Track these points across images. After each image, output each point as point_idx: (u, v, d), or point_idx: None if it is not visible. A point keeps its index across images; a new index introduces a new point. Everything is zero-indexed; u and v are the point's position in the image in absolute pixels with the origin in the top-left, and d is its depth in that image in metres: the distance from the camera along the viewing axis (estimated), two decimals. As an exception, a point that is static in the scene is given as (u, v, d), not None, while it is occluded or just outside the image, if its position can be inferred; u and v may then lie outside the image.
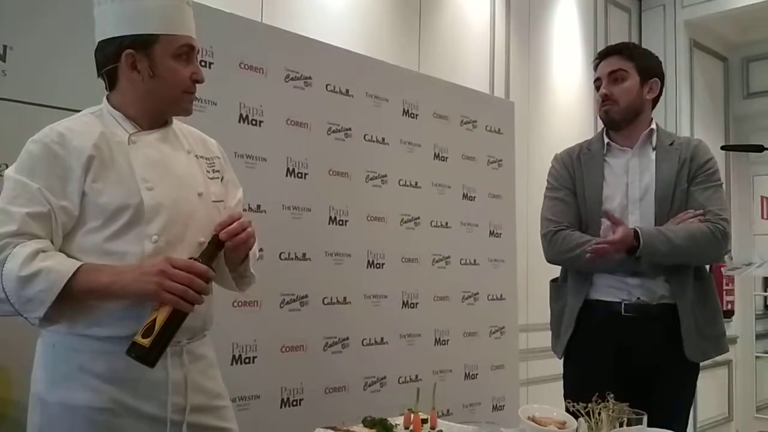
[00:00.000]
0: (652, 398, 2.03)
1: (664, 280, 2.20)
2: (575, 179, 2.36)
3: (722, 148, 3.89)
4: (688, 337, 2.15)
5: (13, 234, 1.36)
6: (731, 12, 5.27)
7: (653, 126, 2.31)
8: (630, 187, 2.26)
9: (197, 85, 1.57)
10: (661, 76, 2.35)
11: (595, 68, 2.38)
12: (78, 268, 1.36)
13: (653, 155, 2.28)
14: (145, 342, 1.34)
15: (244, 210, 1.85)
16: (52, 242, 1.41)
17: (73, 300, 1.36)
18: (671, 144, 2.30)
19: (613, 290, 2.23)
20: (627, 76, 2.28)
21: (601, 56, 2.38)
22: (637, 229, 2.11)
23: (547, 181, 2.46)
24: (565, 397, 2.14)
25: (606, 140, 2.34)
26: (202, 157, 1.64)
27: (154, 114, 1.55)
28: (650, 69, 2.32)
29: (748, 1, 5.08)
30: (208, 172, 1.63)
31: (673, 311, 2.18)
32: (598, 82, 2.36)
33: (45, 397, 1.45)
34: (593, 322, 2.24)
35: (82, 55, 2.00)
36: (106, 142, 1.47)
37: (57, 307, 1.34)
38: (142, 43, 1.47)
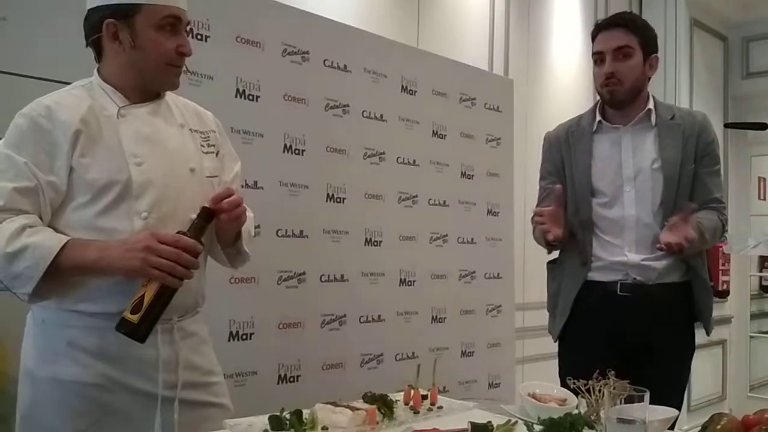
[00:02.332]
0: (646, 378, 2.03)
1: (670, 261, 2.16)
2: (563, 160, 2.30)
3: (726, 125, 3.86)
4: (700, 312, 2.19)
5: (0, 209, 1.34)
6: (732, -10, 5.23)
7: (650, 105, 2.23)
8: (623, 165, 2.20)
9: (191, 59, 1.54)
10: (657, 51, 2.27)
11: (593, 39, 2.24)
12: (65, 243, 1.34)
13: (653, 133, 2.21)
14: (134, 318, 1.33)
15: (242, 186, 1.82)
16: (40, 218, 1.39)
17: (61, 276, 1.35)
18: (672, 118, 2.23)
19: (610, 272, 2.19)
20: (633, 52, 2.17)
21: (602, 27, 2.23)
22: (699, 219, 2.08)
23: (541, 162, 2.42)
24: (561, 378, 2.13)
25: (598, 118, 2.25)
26: (196, 131, 1.60)
27: (140, 86, 1.51)
28: (652, 44, 2.23)
29: (750, -21, 5.04)
30: (202, 146, 1.59)
31: (668, 290, 2.16)
32: (598, 56, 2.21)
33: (35, 372, 1.44)
34: (590, 303, 2.21)
35: (76, 28, 1.98)
36: (95, 116, 1.44)
37: (46, 282, 1.33)
38: (124, 13, 1.43)
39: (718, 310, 5.71)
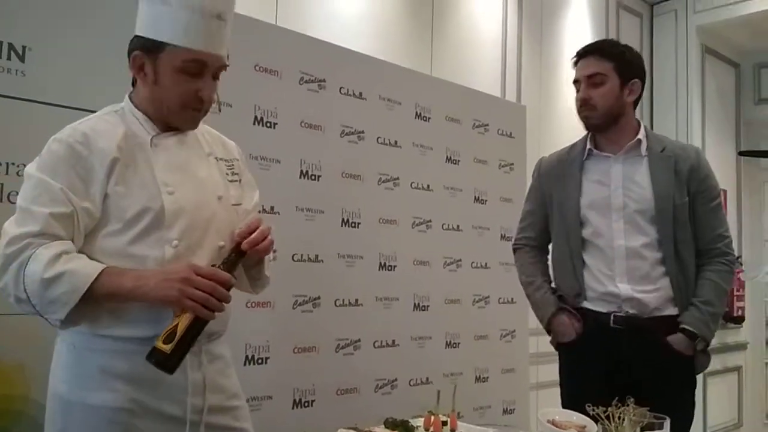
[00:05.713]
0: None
1: (663, 294, 2.13)
2: (551, 189, 2.30)
3: (740, 153, 3.86)
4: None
5: (36, 234, 1.35)
6: (743, 18, 5.26)
7: (641, 136, 2.20)
8: (612, 195, 2.17)
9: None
10: (642, 75, 2.24)
11: (574, 66, 2.28)
12: (101, 271, 1.35)
13: (644, 163, 2.18)
14: (166, 348, 1.33)
15: (259, 212, 1.84)
16: (75, 243, 1.40)
17: (95, 302, 1.35)
18: (662, 150, 2.20)
19: (603, 303, 2.15)
20: (606, 79, 2.17)
21: (579, 56, 2.26)
22: (688, 329, 2.08)
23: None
24: (563, 406, 2.09)
25: (588, 146, 2.25)
26: (221, 159, 1.63)
27: (163, 120, 1.51)
28: (630, 69, 2.21)
29: (761, 7, 5.07)
30: (227, 174, 1.62)
31: (663, 323, 2.11)
32: (577, 84, 2.25)
33: (66, 397, 1.44)
34: (584, 330, 2.19)
35: (101, 56, 2.03)
36: (129, 144, 1.46)
37: (79, 309, 1.34)
38: (150, 48, 1.44)
39: (733, 336, 5.66)
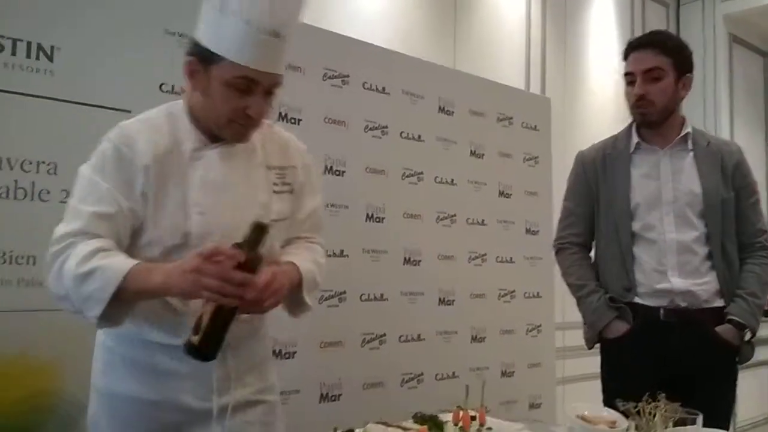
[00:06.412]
0: (692, 404, 1.99)
1: (714, 286, 2.14)
2: (598, 183, 2.26)
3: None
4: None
5: (78, 232, 1.37)
6: (772, 5, 5.17)
7: (689, 129, 2.20)
8: (663, 189, 2.16)
9: None
10: (692, 69, 2.21)
11: (625, 58, 2.22)
12: (132, 267, 1.34)
13: (690, 157, 2.18)
14: (195, 339, 1.31)
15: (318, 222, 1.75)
16: (119, 242, 1.41)
17: (128, 300, 1.35)
18: (707, 145, 2.21)
19: (654, 298, 2.13)
20: (663, 74, 2.13)
21: (634, 47, 2.20)
22: (736, 320, 2.09)
23: (567, 181, 2.40)
24: (605, 402, 2.09)
25: (636, 139, 2.22)
26: (274, 168, 1.57)
27: (210, 129, 1.48)
28: (685, 64, 2.18)
29: (790, -7, 4.98)
30: (275, 184, 1.56)
31: (712, 314, 2.11)
32: (630, 77, 2.19)
33: (97, 385, 1.51)
34: (633, 325, 2.16)
35: (130, 55, 2.05)
36: (168, 156, 1.44)
37: (115, 308, 1.34)
38: (204, 58, 1.41)
39: (763, 330, 5.57)
